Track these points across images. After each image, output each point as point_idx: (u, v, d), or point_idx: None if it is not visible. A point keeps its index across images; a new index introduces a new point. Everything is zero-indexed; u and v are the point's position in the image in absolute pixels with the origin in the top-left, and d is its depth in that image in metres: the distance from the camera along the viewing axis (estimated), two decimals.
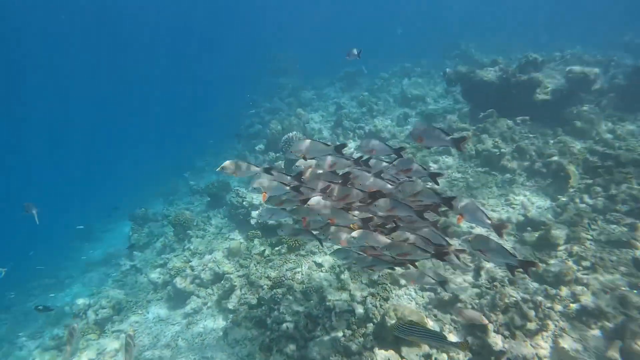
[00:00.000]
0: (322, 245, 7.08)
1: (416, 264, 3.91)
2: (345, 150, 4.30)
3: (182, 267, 8.53)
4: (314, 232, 4.14)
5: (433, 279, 4.11)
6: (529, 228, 6.90)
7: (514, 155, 8.74)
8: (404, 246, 3.46)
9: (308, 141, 3.64)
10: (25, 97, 44.52)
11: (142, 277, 9.58)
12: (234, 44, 49.44)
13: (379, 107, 14.45)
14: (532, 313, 5.15)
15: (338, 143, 3.81)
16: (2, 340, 10.71)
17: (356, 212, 3.82)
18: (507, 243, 6.80)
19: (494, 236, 3.35)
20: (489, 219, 3.09)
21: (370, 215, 3.81)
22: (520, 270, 3.04)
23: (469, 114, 11.11)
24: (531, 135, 9.19)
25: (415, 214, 3.47)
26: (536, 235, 6.65)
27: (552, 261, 6.11)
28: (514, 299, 5.49)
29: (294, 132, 10.94)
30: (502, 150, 8.73)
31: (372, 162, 3.88)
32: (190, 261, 8.85)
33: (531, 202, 7.57)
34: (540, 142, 8.90)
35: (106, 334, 7.83)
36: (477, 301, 5.60)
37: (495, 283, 5.90)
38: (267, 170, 3.64)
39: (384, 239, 3.51)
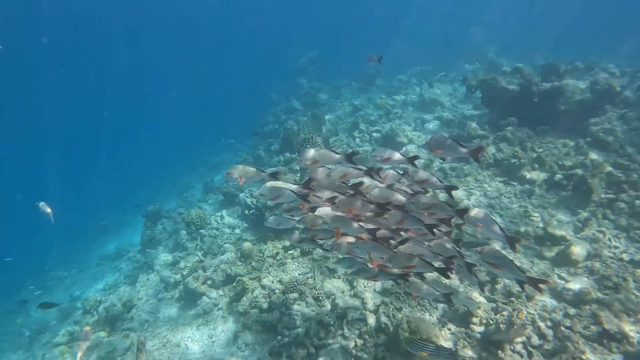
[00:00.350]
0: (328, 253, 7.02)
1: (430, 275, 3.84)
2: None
3: (194, 267, 8.52)
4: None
5: (438, 291, 3.99)
6: (547, 242, 6.73)
7: (533, 165, 8.55)
8: (408, 259, 3.39)
9: (318, 149, 3.59)
10: (41, 95, 45.42)
11: (153, 275, 9.61)
12: (252, 42, 49.71)
13: (396, 110, 14.29)
14: (550, 333, 5.02)
15: (349, 151, 3.75)
16: (13, 333, 10.91)
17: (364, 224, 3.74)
18: (524, 257, 6.64)
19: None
20: (503, 230, 3.02)
21: (378, 227, 3.75)
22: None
23: (489, 121, 10.91)
24: (552, 146, 8.98)
25: (425, 227, 3.41)
26: (555, 250, 6.49)
27: (571, 279, 5.94)
28: (532, 316, 5.36)
29: (311, 134, 10.85)
30: (522, 160, 8.54)
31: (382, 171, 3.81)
32: (202, 261, 8.84)
33: (551, 215, 7.38)
34: (562, 153, 8.68)
35: (116, 331, 7.86)
36: (493, 317, 5.47)
37: (511, 299, 5.77)
38: (274, 176, 3.61)
39: (388, 251, 3.47)
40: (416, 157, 3.57)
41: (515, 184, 8.50)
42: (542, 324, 5.14)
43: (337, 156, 3.57)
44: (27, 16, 37.48)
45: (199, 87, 45.95)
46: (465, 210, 3.24)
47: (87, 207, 22.59)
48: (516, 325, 5.01)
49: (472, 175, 9.07)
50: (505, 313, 5.40)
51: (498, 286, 6.00)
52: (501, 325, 5.21)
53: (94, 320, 8.16)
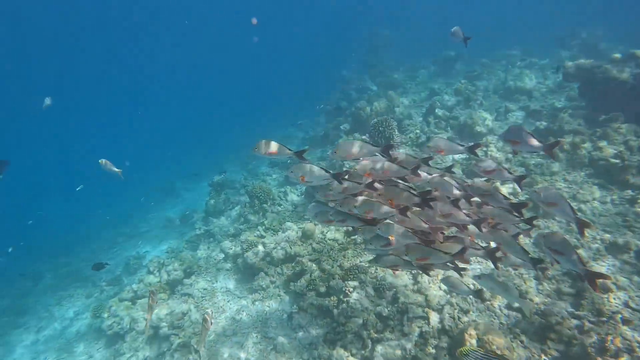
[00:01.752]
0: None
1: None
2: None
3: (254, 242, 8.48)
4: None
5: (466, 285, 3.78)
6: None
7: None
8: (424, 249, 3.34)
9: (354, 143, 3.53)
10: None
11: (214, 245, 9.76)
12: (329, 17, 49.30)
13: (477, 97, 13.23)
14: None
15: (386, 144, 3.68)
16: (87, 281, 11.76)
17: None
18: (621, 272, 5.80)
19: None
20: (574, 211, 2.89)
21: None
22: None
23: (585, 115, 9.67)
24: None
25: (473, 222, 3.45)
26: None
27: None
28: (628, 342, 4.61)
29: (384, 117, 10.28)
30: (627, 162, 7.45)
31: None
32: (263, 236, 8.77)
33: None
34: None
35: (175, 295, 8.07)
36: (579, 337, 4.79)
37: (602, 319, 5.02)
38: (300, 155, 3.43)
39: (412, 238, 3.46)
40: (477, 146, 3.53)
41: (612, 187, 7.47)
42: None
43: (374, 148, 3.49)
44: None
45: (271, 63, 46.70)
46: (523, 204, 3.25)
47: (157, 171, 23.90)
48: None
49: (560, 174, 8.11)
50: (594, 335, 4.72)
51: (585, 302, 5.28)
52: (590, 349, 4.54)
53: (156, 281, 8.43)
